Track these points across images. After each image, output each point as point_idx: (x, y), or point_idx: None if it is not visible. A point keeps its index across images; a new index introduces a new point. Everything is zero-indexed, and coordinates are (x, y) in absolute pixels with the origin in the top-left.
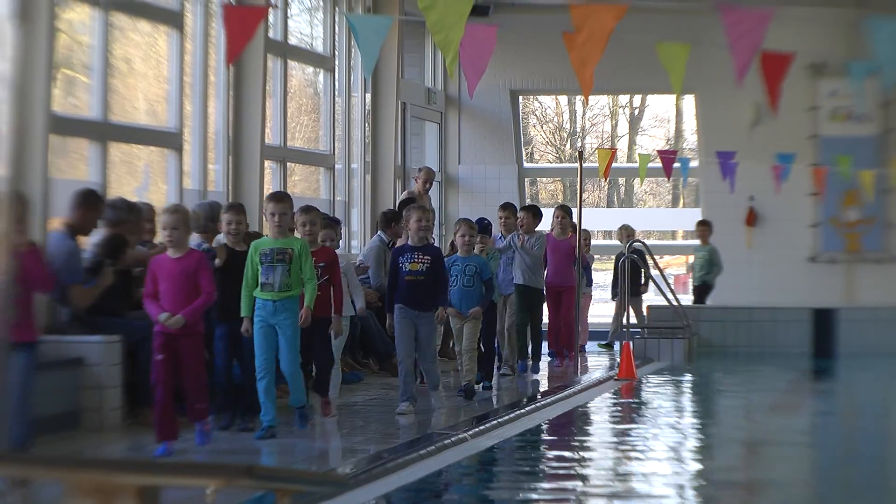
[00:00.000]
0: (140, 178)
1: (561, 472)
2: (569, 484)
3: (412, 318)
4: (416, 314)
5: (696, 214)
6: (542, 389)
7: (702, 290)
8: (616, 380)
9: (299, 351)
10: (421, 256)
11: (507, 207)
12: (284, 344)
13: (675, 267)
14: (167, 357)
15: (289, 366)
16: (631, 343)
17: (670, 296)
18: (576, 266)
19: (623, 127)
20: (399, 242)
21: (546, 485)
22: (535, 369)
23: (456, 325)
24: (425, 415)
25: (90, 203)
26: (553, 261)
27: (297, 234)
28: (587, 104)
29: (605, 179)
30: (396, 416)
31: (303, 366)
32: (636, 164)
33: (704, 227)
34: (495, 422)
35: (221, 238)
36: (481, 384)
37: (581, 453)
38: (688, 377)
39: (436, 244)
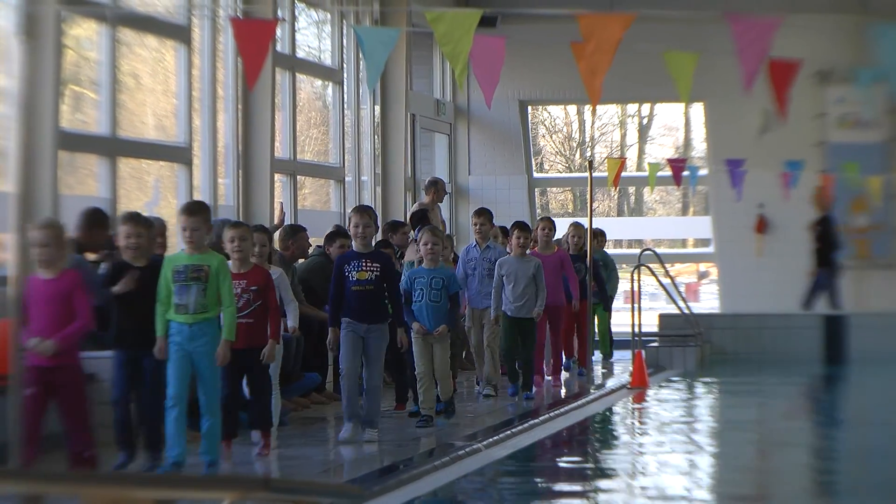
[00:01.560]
0: (150, 193)
1: (575, 482)
2: (582, 494)
3: (360, 333)
4: (364, 328)
5: (706, 223)
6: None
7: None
8: (629, 388)
9: (219, 383)
10: (369, 264)
11: (483, 213)
12: (201, 375)
13: (687, 275)
14: (39, 391)
15: (206, 402)
16: (643, 351)
17: (682, 304)
18: (587, 278)
19: (632, 136)
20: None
21: (560, 495)
22: (517, 389)
23: (419, 344)
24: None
25: (96, 222)
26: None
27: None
28: (595, 113)
29: (615, 189)
30: (338, 441)
31: (230, 401)
32: (646, 173)
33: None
34: (509, 432)
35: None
36: (443, 413)
37: (594, 463)
38: (700, 385)
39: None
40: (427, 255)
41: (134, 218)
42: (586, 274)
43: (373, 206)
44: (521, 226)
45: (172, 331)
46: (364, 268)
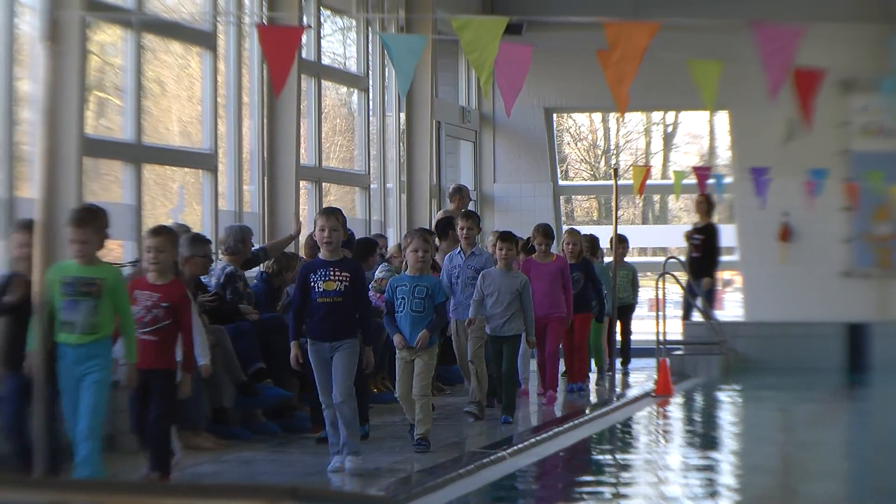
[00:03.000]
0: (174, 200)
1: (599, 490)
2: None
3: (326, 355)
4: (328, 347)
5: (730, 231)
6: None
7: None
8: (653, 396)
9: (103, 410)
10: (337, 273)
11: (470, 217)
12: (84, 400)
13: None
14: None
15: (86, 427)
16: (668, 360)
17: (706, 311)
18: (587, 288)
19: (657, 144)
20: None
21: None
22: (506, 419)
23: (402, 360)
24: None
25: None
26: (539, 287)
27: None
28: (622, 120)
29: (640, 196)
30: (330, 472)
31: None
32: (670, 181)
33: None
34: (533, 440)
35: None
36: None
37: (618, 471)
38: (724, 393)
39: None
40: (415, 263)
41: (25, 225)
42: (584, 285)
43: (394, 215)
44: (504, 236)
45: (59, 353)
46: (332, 277)
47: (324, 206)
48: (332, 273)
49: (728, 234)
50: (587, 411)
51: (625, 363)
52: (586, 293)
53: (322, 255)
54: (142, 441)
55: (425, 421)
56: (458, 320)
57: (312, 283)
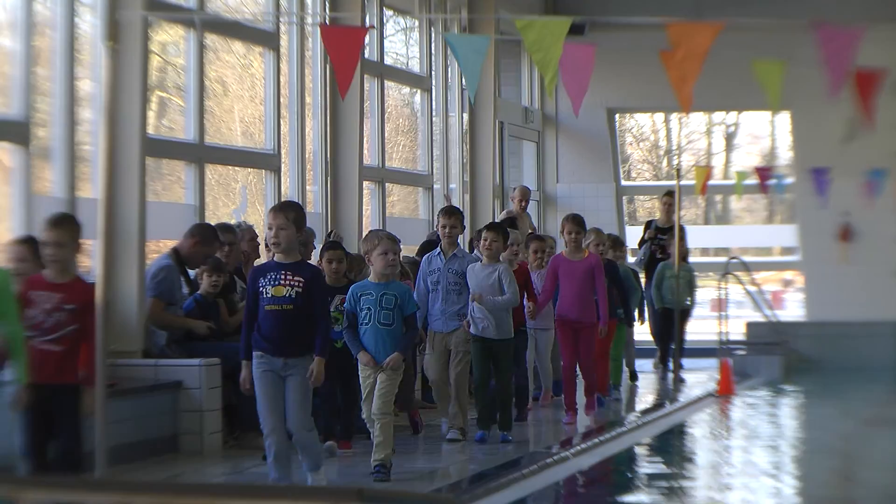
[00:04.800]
0: (237, 200)
1: (663, 490)
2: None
3: (277, 370)
4: (281, 363)
5: (791, 231)
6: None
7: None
8: (715, 396)
9: None
10: (290, 277)
11: (452, 213)
12: None
13: (772, 283)
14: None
15: None
16: (730, 360)
17: (768, 312)
18: (630, 291)
19: (718, 144)
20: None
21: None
22: (505, 437)
23: (367, 378)
24: None
25: (204, 237)
26: (567, 287)
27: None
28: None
29: (702, 196)
30: None
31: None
32: (732, 182)
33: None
34: (598, 440)
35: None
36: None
37: (682, 471)
38: (786, 393)
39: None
40: (384, 268)
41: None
42: (608, 288)
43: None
44: (491, 226)
45: None
46: (283, 281)
47: (386, 207)
48: (283, 277)
49: (789, 234)
50: (645, 413)
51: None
52: (610, 297)
53: (276, 257)
54: (36, 471)
55: (385, 444)
56: (437, 333)
57: (261, 288)
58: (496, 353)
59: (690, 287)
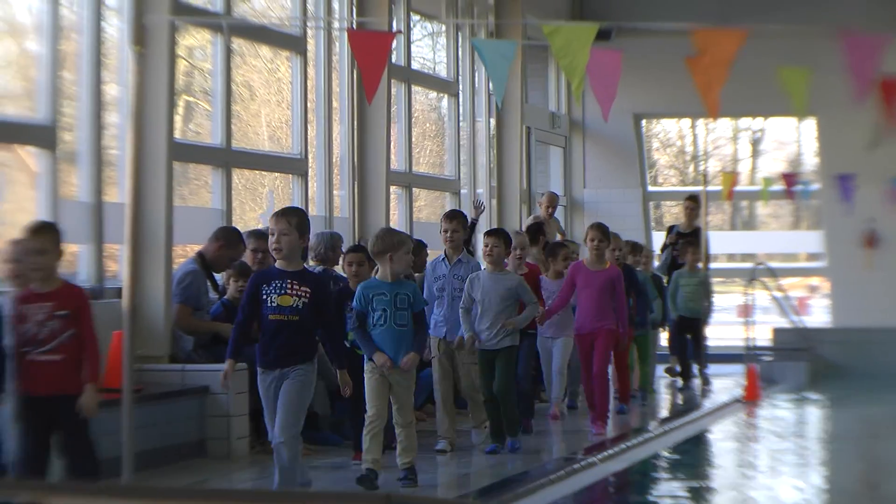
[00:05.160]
0: (264, 205)
1: (687, 496)
2: None
3: (276, 382)
4: (279, 375)
5: (817, 237)
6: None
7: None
8: (741, 402)
9: None
10: (296, 287)
11: (454, 217)
12: None
13: (798, 289)
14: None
15: None
16: (756, 366)
17: (794, 318)
18: (648, 298)
19: (744, 150)
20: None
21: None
22: (513, 445)
23: (375, 378)
24: None
25: (228, 240)
26: (585, 298)
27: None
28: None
29: (729, 202)
30: None
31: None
32: (758, 187)
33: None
34: (624, 446)
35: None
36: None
37: (710, 477)
38: (812, 399)
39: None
40: (406, 267)
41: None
42: (628, 295)
43: (485, 220)
44: (491, 231)
45: None
46: (289, 291)
47: (413, 211)
48: (289, 286)
49: (815, 241)
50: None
51: (686, 377)
52: (628, 304)
53: (278, 264)
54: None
55: (411, 449)
56: (442, 340)
57: (265, 296)
58: (499, 360)
59: (706, 294)
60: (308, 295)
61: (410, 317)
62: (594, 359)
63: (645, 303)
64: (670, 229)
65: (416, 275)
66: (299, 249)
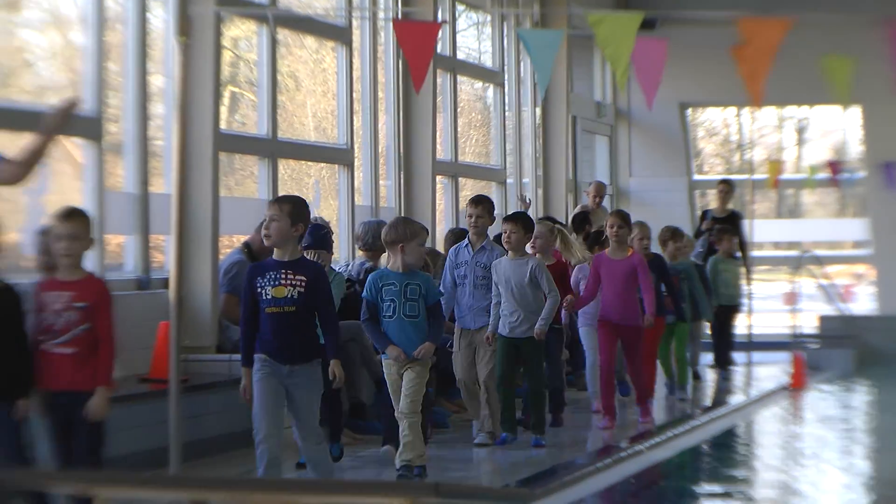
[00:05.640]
0: (310, 195)
1: (733, 484)
2: (740, 494)
3: (280, 377)
4: (287, 371)
5: (862, 225)
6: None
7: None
8: (788, 390)
9: None
10: (291, 276)
11: (480, 202)
12: None
13: (845, 277)
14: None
15: None
16: (803, 353)
17: (840, 305)
18: (682, 288)
19: (790, 138)
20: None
21: (719, 496)
22: (538, 441)
23: (392, 374)
24: None
25: (322, 240)
26: (608, 288)
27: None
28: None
29: (774, 190)
30: None
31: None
32: (803, 175)
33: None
34: (671, 434)
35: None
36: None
37: (755, 464)
38: (859, 387)
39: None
40: (420, 258)
41: None
42: (657, 285)
43: (531, 210)
44: (508, 217)
45: None
46: (283, 281)
47: (459, 201)
48: (283, 276)
49: (861, 228)
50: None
51: (721, 364)
52: (659, 295)
53: (274, 254)
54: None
55: (416, 444)
56: (465, 330)
57: (260, 289)
58: (526, 353)
59: (737, 281)
60: (303, 284)
61: (422, 308)
62: (626, 361)
63: (675, 293)
64: (704, 214)
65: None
66: (293, 238)
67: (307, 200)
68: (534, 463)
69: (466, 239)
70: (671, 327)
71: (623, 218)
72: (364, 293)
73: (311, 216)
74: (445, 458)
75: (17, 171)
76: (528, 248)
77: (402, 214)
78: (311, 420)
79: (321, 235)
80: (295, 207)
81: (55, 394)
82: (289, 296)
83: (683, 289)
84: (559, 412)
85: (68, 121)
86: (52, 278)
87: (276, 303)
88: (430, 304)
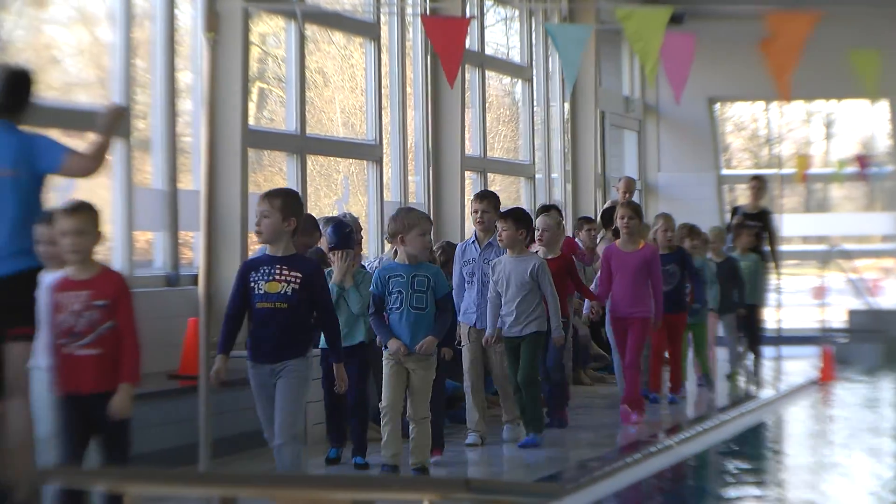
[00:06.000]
0: (339, 191)
1: (766, 477)
2: (771, 490)
3: (267, 382)
4: (270, 371)
5: (890, 219)
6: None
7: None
8: (817, 384)
9: None
10: (285, 272)
11: (485, 198)
12: None
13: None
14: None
15: None
16: (832, 347)
17: (868, 300)
18: (685, 284)
19: (818, 132)
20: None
21: (751, 490)
22: (532, 440)
23: (391, 367)
24: None
25: (304, 227)
26: (619, 281)
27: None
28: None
29: (803, 185)
30: None
31: None
32: (831, 170)
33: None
34: (700, 429)
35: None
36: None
37: (785, 459)
38: (887, 380)
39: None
40: (422, 248)
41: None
42: (680, 279)
43: (560, 205)
44: (502, 214)
45: None
46: (277, 276)
47: None
48: (277, 272)
49: (889, 222)
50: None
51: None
52: (681, 289)
53: (267, 249)
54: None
55: (424, 447)
56: (472, 328)
57: (252, 283)
58: (524, 346)
59: (756, 278)
60: (297, 280)
61: (431, 300)
62: (626, 348)
63: (700, 289)
64: (735, 211)
65: None
66: (285, 233)
67: (338, 197)
68: (561, 459)
69: (473, 235)
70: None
71: (634, 209)
72: (371, 287)
73: (342, 213)
74: (472, 454)
75: (89, 164)
76: (536, 242)
77: (431, 210)
78: (290, 416)
79: (345, 234)
80: (286, 201)
81: (83, 397)
82: (282, 291)
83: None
84: (560, 409)
85: (120, 123)
86: (66, 278)
87: (268, 298)
88: (438, 298)
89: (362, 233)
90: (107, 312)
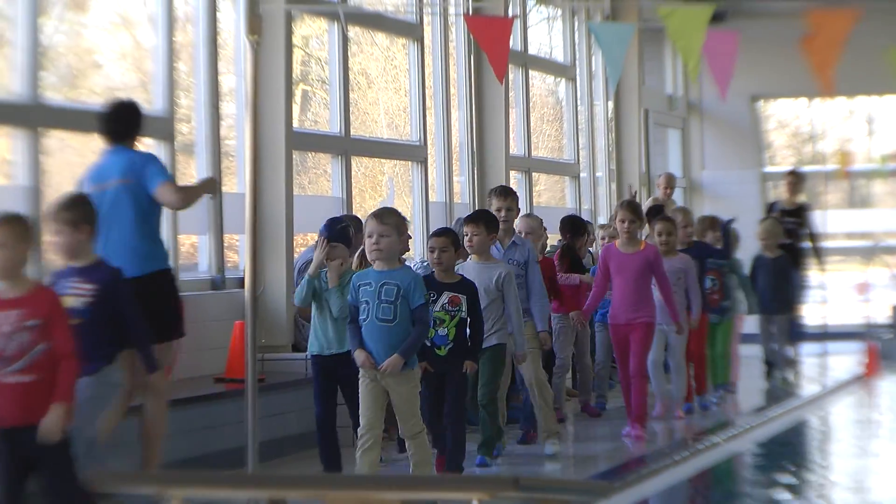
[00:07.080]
0: (383, 192)
1: (813, 475)
2: (820, 486)
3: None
4: (84, 385)
5: None
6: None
7: None
8: (862, 380)
9: None
10: (77, 284)
11: (507, 195)
12: None
13: None
14: None
15: None
16: (876, 343)
17: None
18: (727, 283)
19: (860, 128)
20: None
21: (799, 487)
22: (482, 461)
23: (366, 385)
24: None
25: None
26: (618, 285)
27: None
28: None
29: (845, 180)
30: None
31: None
32: (873, 166)
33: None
34: (748, 426)
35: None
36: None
37: (830, 456)
38: None
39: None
40: (368, 253)
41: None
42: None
43: (604, 204)
44: (470, 219)
45: None
46: (70, 290)
47: (533, 196)
48: (71, 285)
49: None
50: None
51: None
52: (701, 287)
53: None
54: None
55: (425, 462)
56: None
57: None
58: (484, 360)
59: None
60: (93, 292)
61: (402, 311)
62: (630, 356)
63: (724, 286)
64: (772, 206)
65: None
66: (85, 243)
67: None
68: (611, 457)
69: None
70: (714, 326)
71: (634, 211)
72: (348, 295)
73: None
74: (513, 453)
75: (177, 202)
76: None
77: (477, 209)
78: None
79: (338, 230)
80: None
81: (15, 430)
82: (73, 307)
83: (728, 283)
84: (532, 430)
85: (213, 190)
86: None
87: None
88: (413, 307)
89: (362, 233)
90: (39, 334)
